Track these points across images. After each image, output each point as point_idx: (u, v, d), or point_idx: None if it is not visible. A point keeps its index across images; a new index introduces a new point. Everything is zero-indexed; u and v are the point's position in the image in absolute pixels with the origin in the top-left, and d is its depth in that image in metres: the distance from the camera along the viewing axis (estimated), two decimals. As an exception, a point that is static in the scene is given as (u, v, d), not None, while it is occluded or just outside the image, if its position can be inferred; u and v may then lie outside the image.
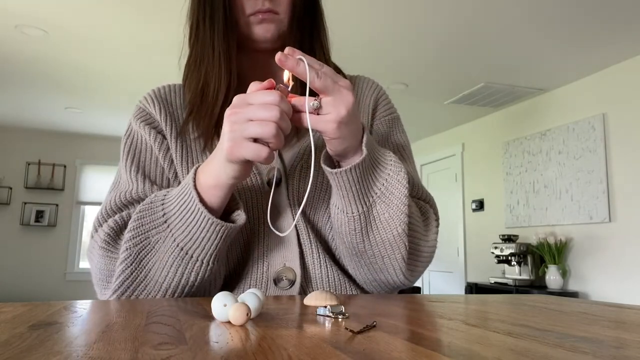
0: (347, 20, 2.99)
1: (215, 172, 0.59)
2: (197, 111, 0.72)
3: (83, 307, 0.51)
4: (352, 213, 0.63)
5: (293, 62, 0.53)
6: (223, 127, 0.56)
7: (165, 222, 0.61)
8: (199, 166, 0.62)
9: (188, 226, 0.60)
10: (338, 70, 0.82)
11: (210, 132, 0.72)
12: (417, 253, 0.70)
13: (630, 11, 2.82)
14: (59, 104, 4.83)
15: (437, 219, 0.77)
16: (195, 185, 0.60)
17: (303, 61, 0.53)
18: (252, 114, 0.53)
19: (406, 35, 3.19)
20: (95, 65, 3.78)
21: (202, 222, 0.59)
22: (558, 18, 2.92)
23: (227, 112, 0.55)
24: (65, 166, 6.20)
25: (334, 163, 0.64)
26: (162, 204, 0.63)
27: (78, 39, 3.30)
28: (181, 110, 0.77)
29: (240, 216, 0.63)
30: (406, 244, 0.65)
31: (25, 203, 5.97)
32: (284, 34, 0.73)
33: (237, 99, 0.56)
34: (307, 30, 0.75)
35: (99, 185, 6.29)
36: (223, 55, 0.70)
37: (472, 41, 3.26)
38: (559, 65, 3.64)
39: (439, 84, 4.09)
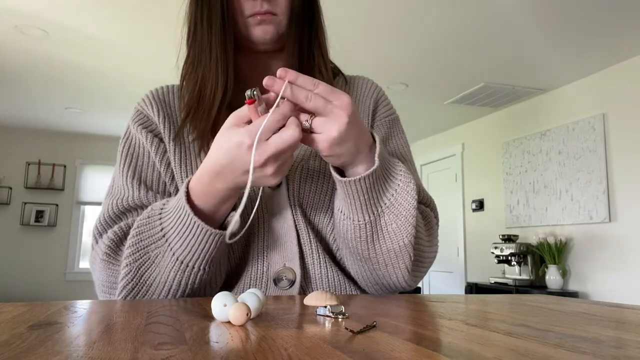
0: (347, 20, 2.99)
1: (226, 196, 0.60)
2: (194, 114, 0.72)
3: (83, 307, 0.51)
4: (359, 221, 0.64)
5: (280, 86, 0.53)
6: (261, 172, 0.55)
7: (164, 236, 0.62)
8: (189, 180, 0.62)
9: (185, 239, 0.60)
10: (337, 71, 0.82)
11: (207, 135, 0.72)
12: (421, 260, 0.71)
13: (631, 11, 2.82)
14: (59, 104, 4.83)
15: (438, 222, 0.77)
16: (187, 200, 0.60)
17: (289, 84, 0.54)
18: (280, 152, 0.54)
19: (406, 35, 3.19)
20: (95, 65, 3.78)
21: (199, 233, 0.60)
22: (558, 18, 2.92)
23: (258, 161, 0.54)
24: (65, 166, 6.20)
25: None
26: (160, 219, 0.63)
27: (78, 39, 3.30)
28: (179, 112, 0.77)
29: (233, 218, 0.63)
30: (411, 254, 0.65)
31: (25, 203, 5.97)
32: (282, 35, 0.73)
33: (250, 140, 0.53)
34: (306, 30, 0.75)
35: (99, 185, 6.29)
36: (220, 57, 0.70)
37: (472, 41, 3.26)
38: (559, 65, 3.64)
39: (439, 84, 4.09)
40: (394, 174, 0.64)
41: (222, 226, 0.64)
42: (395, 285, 0.70)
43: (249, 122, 0.55)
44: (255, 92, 0.54)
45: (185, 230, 0.60)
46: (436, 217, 0.78)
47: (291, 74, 0.54)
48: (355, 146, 0.59)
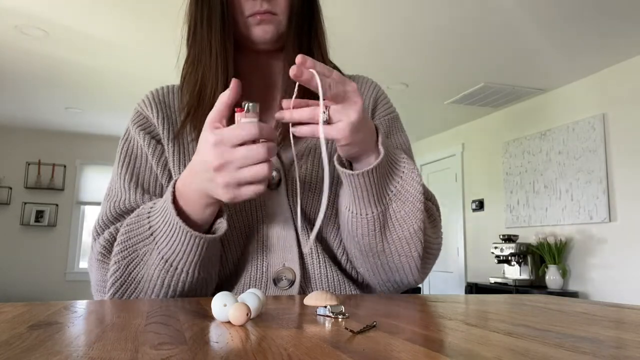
0: (347, 20, 2.99)
1: (208, 200, 0.59)
2: (194, 114, 0.72)
3: (83, 307, 0.51)
4: (369, 214, 0.64)
5: (308, 76, 0.53)
6: (213, 177, 0.55)
7: (152, 234, 0.62)
8: (177, 180, 0.62)
9: (170, 239, 0.60)
10: (336, 69, 0.82)
11: None
12: (428, 251, 0.71)
13: (631, 12, 2.82)
14: (59, 104, 4.83)
15: (440, 215, 0.78)
16: (173, 201, 0.60)
17: (315, 75, 0.53)
18: (241, 161, 0.53)
19: (406, 35, 3.19)
20: (95, 65, 3.78)
21: (182, 236, 0.60)
22: (558, 18, 2.92)
23: (213, 162, 0.54)
24: (65, 166, 6.20)
25: (343, 164, 0.64)
26: (149, 217, 0.63)
27: (78, 39, 3.30)
28: (179, 113, 0.77)
29: (221, 224, 0.63)
30: (422, 240, 0.66)
31: (25, 203, 5.96)
32: (282, 35, 0.73)
33: (215, 144, 0.54)
34: (305, 30, 0.75)
35: (99, 185, 6.29)
36: (220, 57, 0.70)
37: (472, 41, 3.26)
38: (559, 65, 3.63)
39: (439, 84, 4.09)
40: (399, 161, 0.65)
41: (211, 231, 0.64)
42: (407, 279, 0.70)
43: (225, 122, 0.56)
44: (254, 108, 0.55)
45: (170, 231, 0.60)
46: (438, 210, 0.78)
47: (310, 62, 0.54)
48: (369, 132, 0.60)
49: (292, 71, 0.53)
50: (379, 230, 0.65)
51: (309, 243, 0.66)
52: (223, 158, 0.54)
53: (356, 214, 0.64)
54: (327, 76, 0.55)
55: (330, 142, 0.75)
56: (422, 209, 0.64)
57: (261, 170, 0.53)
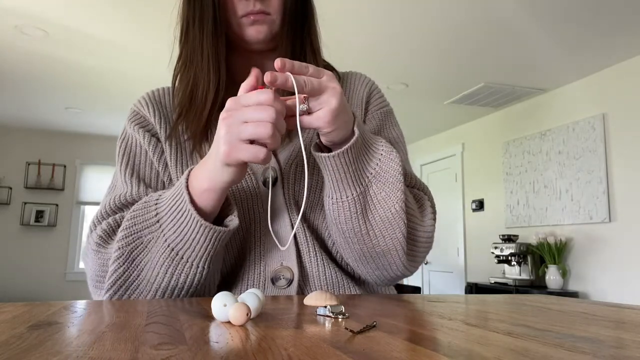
0: (347, 20, 2.99)
1: (209, 176, 0.59)
2: (186, 114, 0.72)
3: (83, 307, 0.51)
4: (348, 197, 0.64)
5: (283, 80, 0.55)
6: (218, 130, 0.56)
7: (158, 221, 0.62)
8: (192, 168, 0.62)
9: (179, 227, 0.60)
10: (330, 68, 0.82)
11: (199, 135, 0.72)
12: (415, 238, 0.70)
13: (630, 11, 2.82)
14: (59, 104, 4.83)
15: (433, 206, 0.76)
16: (187, 187, 0.60)
17: (289, 77, 0.55)
18: (247, 115, 0.54)
19: (406, 35, 3.19)
20: (95, 65, 3.77)
21: (193, 224, 0.59)
22: (558, 18, 2.92)
23: (222, 115, 0.56)
24: (65, 166, 6.20)
25: (323, 152, 0.65)
26: (156, 204, 0.63)
27: (78, 39, 3.30)
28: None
29: (232, 221, 0.63)
30: (405, 221, 0.65)
31: (25, 203, 5.96)
32: (276, 35, 0.73)
33: (230, 101, 0.56)
34: (299, 30, 0.75)
35: (99, 185, 6.29)
36: (212, 57, 0.70)
37: (472, 41, 3.26)
38: (559, 65, 3.63)
39: (439, 84, 4.09)
40: (376, 144, 0.65)
41: (222, 224, 0.64)
42: (395, 264, 0.68)
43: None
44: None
45: (180, 218, 0.60)
46: (431, 200, 0.77)
47: (288, 64, 0.55)
48: (349, 117, 0.61)
49: (267, 78, 0.54)
50: (361, 212, 0.64)
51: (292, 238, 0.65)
52: (231, 108, 0.55)
53: (336, 199, 0.64)
54: (304, 73, 0.56)
55: (312, 132, 0.75)
56: (403, 190, 0.64)
57: (264, 128, 0.53)
